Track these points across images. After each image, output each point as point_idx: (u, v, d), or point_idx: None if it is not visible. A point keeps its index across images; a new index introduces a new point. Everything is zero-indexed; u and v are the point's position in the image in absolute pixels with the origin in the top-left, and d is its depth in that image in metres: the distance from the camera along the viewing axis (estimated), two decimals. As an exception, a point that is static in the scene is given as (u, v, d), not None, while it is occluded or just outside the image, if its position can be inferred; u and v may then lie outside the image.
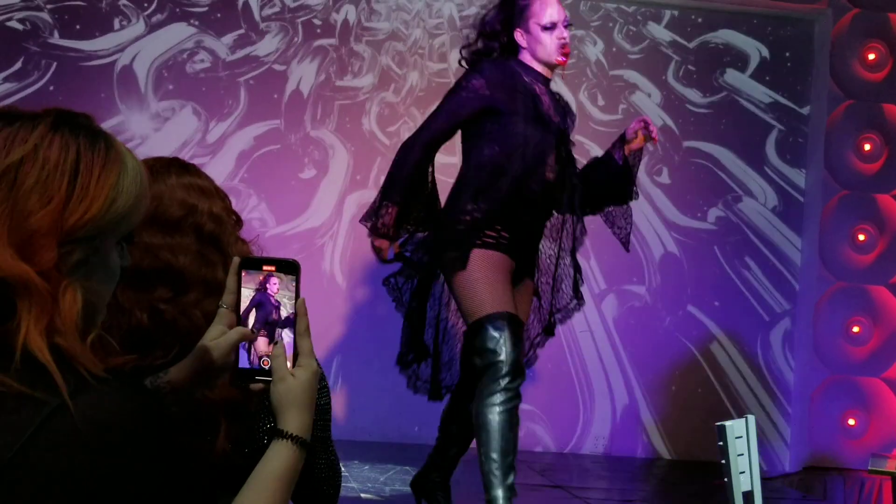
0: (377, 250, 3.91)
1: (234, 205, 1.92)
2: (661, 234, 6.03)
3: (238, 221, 1.90)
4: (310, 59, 5.85)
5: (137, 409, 1.21)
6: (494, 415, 3.64)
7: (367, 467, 5.06)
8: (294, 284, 1.53)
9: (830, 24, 5.90)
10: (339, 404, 5.71)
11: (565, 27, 4.01)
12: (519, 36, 4.03)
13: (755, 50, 6.12)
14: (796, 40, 6.11)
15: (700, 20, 6.11)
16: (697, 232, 6.05)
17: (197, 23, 5.74)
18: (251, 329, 1.53)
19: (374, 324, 5.67)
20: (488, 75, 3.91)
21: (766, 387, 6.05)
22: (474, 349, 3.71)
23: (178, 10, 5.72)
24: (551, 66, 4.04)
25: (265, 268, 1.54)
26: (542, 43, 4.00)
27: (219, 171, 5.56)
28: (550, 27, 3.99)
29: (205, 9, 5.75)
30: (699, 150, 6.07)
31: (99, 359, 1.22)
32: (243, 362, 1.53)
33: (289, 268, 1.54)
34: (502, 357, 3.65)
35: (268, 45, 5.81)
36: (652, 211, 6.01)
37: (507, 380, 3.66)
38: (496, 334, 3.66)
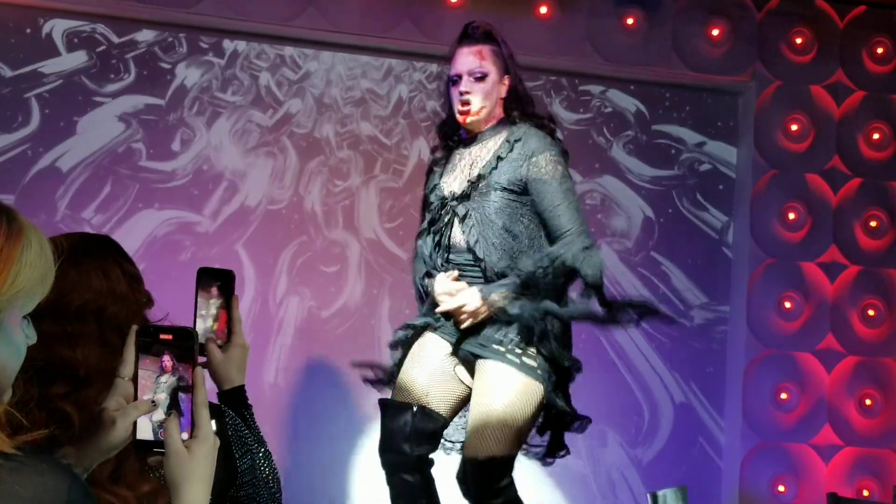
0: None
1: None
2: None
3: (149, 301, 1.83)
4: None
5: (64, 484, 1.17)
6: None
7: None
8: (192, 353, 1.50)
9: (754, 97, 6.02)
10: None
11: (476, 79, 3.50)
12: None
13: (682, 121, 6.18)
14: (721, 112, 6.20)
15: (627, 91, 6.15)
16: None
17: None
18: (151, 400, 1.49)
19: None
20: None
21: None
22: None
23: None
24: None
25: (162, 336, 1.51)
26: (451, 99, 3.57)
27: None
28: (456, 80, 3.53)
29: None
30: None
31: (7, 435, 1.17)
32: (143, 433, 1.49)
33: (186, 336, 1.51)
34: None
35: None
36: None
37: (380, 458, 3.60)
38: None
